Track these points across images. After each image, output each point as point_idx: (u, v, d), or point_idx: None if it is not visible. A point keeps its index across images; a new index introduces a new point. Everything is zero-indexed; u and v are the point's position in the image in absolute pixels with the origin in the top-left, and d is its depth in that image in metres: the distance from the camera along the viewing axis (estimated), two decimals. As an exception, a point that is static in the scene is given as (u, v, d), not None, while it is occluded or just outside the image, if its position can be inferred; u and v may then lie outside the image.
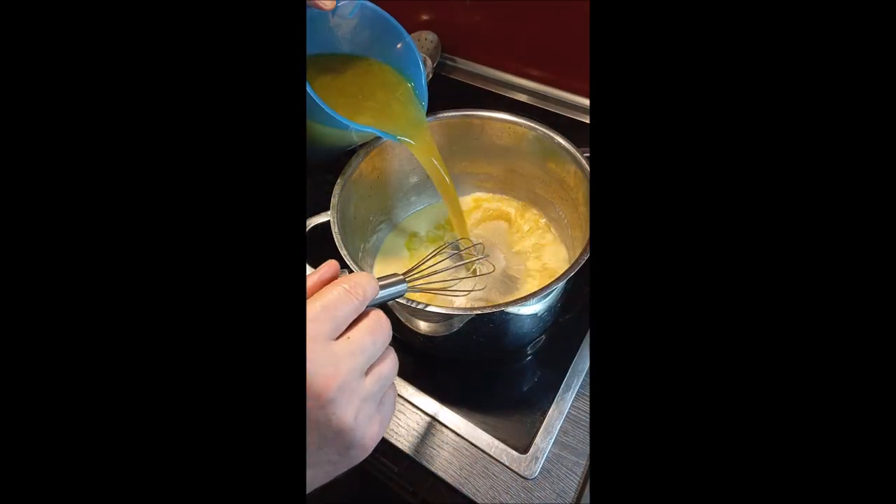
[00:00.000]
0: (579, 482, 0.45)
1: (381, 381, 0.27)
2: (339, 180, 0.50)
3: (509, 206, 0.62)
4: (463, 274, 0.54)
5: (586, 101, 0.77)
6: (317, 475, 0.25)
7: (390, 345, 0.29)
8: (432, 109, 0.56)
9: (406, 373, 0.52)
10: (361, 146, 0.53)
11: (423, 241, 0.60)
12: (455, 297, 0.52)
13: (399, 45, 0.54)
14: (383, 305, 0.33)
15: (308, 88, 0.43)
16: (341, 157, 0.53)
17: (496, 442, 0.47)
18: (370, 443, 0.26)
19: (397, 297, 0.34)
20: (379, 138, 0.53)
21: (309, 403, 0.23)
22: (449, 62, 0.86)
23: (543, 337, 0.54)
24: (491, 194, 0.63)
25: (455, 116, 0.56)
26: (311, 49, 0.53)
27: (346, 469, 0.26)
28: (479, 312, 0.41)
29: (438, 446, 0.48)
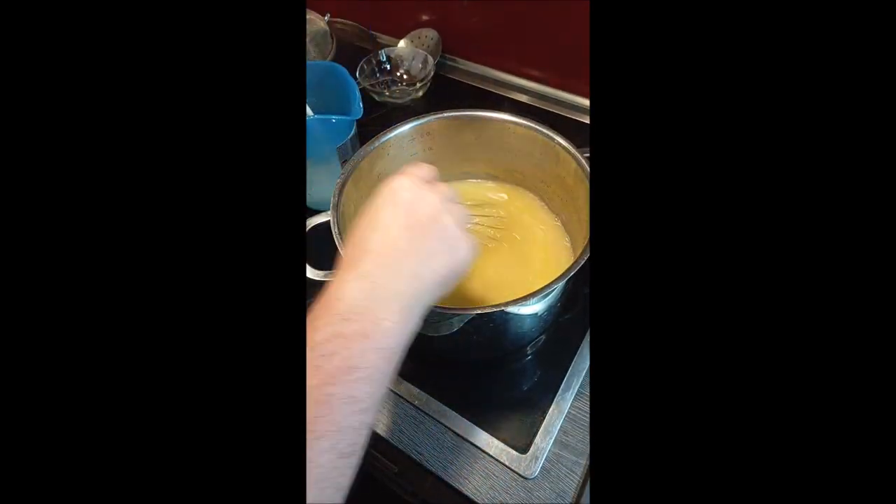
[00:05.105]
0: (579, 482, 0.45)
1: (463, 211, 0.35)
2: (338, 180, 0.50)
3: (509, 206, 0.62)
4: None
5: (586, 101, 0.77)
6: (438, 269, 0.32)
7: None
8: (434, 109, 0.56)
9: (406, 372, 0.52)
10: (360, 147, 0.53)
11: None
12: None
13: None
14: None
15: None
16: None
17: (496, 442, 0.47)
18: (466, 244, 0.34)
19: None
20: (379, 137, 0.53)
21: (422, 218, 0.32)
22: (449, 62, 0.86)
23: (543, 336, 0.54)
24: (491, 194, 0.63)
25: (455, 116, 0.56)
26: None
27: (457, 272, 0.34)
28: (479, 312, 0.41)
29: (439, 446, 0.48)
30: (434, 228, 0.33)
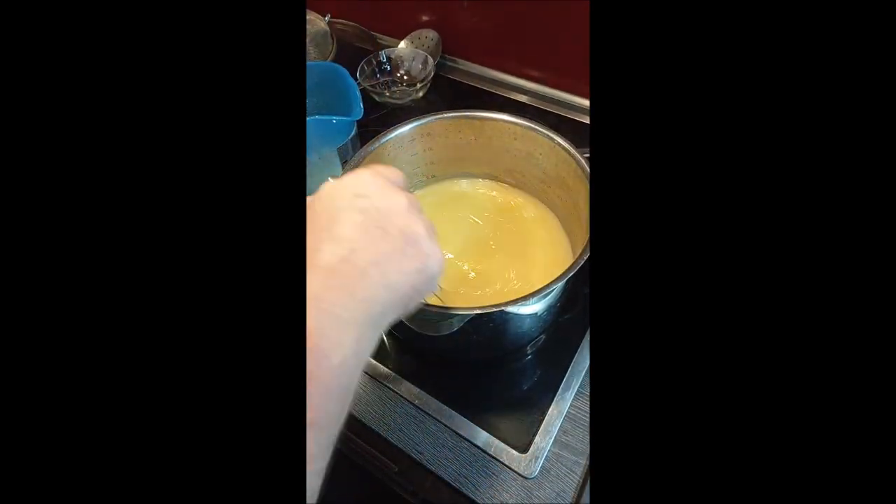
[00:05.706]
0: (579, 481, 0.45)
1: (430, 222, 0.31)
2: (339, 180, 0.50)
3: (509, 206, 0.62)
4: None
5: (586, 102, 0.77)
6: (401, 288, 0.28)
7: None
8: (434, 109, 0.56)
9: (406, 372, 0.52)
10: (361, 147, 0.53)
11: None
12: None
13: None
14: None
15: None
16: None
17: (496, 441, 0.47)
18: (437, 259, 0.30)
19: None
20: (379, 137, 0.53)
21: (391, 229, 0.28)
22: (449, 62, 0.86)
23: (543, 336, 0.54)
24: (491, 194, 0.63)
25: (455, 116, 0.56)
26: None
27: (422, 291, 0.30)
28: (479, 312, 0.41)
29: (439, 445, 0.48)
30: (403, 241, 0.28)
